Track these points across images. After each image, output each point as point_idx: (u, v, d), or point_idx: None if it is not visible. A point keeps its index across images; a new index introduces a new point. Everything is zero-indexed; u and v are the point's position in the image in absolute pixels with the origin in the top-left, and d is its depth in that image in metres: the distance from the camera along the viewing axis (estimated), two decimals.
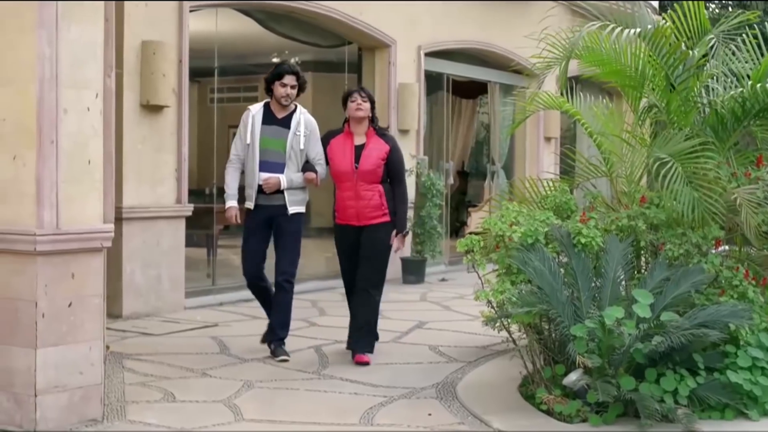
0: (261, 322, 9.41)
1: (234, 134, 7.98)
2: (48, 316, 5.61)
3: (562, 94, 7.58)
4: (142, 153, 9.73)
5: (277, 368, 7.45)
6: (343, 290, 7.92)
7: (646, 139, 7.45)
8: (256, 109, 7.86)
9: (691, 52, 7.02)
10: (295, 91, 7.81)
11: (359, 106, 7.74)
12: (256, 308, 10.04)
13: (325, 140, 7.88)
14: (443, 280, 13.30)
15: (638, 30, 6.81)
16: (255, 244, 7.83)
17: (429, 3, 13.89)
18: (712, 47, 7.43)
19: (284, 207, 7.72)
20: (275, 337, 7.81)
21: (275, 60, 15.67)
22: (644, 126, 7.62)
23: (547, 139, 16.84)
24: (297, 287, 8.06)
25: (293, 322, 7.80)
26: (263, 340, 8.00)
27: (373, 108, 7.86)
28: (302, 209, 7.87)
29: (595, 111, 7.63)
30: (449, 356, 7.94)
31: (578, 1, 11.35)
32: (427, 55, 14.02)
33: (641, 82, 7.24)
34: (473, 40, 15.01)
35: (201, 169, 14.94)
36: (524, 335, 6.70)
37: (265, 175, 7.68)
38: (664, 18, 7.20)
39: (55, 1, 5.58)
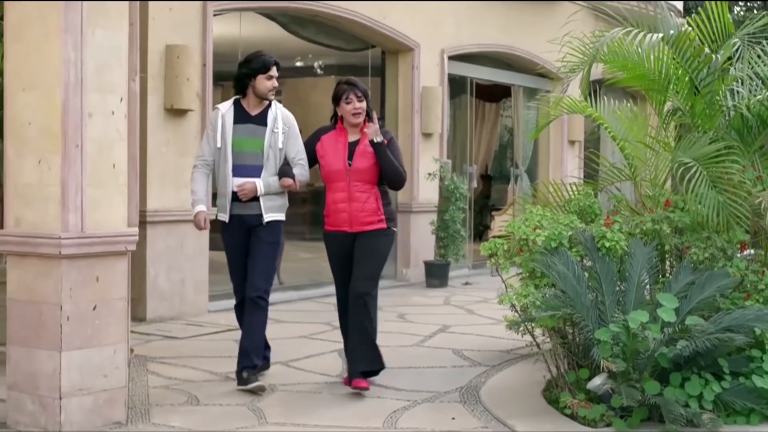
0: (284, 326, 9.43)
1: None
2: (73, 319, 5.64)
3: (585, 98, 7.56)
4: (166, 156, 9.77)
5: (301, 372, 7.45)
6: None
7: (671, 143, 7.42)
8: (225, 108, 7.02)
9: (715, 55, 6.99)
10: (277, 84, 7.07)
11: (357, 110, 6.93)
12: (280, 311, 10.07)
13: (315, 137, 7.09)
14: (467, 283, 13.29)
15: (662, 35, 6.78)
16: (239, 259, 7.05)
17: (452, 6, 13.89)
18: (736, 50, 7.39)
19: (260, 216, 6.92)
20: (248, 363, 6.86)
21: (298, 63, 15.72)
22: (668, 129, 7.59)
23: (571, 143, 16.81)
24: (319, 290, 8.03)
25: (315, 326, 7.56)
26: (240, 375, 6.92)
27: (368, 103, 7.02)
28: (281, 216, 7.05)
29: (619, 115, 7.60)
30: (473, 360, 7.92)
31: (603, 1, 11.32)
32: (450, 58, 14.02)
33: (665, 86, 7.21)
34: (496, 44, 15.00)
35: None
36: (548, 339, 6.68)
37: (239, 180, 6.87)
38: (687, 21, 7.18)
39: (80, 3, 5.61)
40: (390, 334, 9.04)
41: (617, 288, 6.36)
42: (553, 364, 6.59)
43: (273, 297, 8.51)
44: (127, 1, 5.96)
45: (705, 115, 7.03)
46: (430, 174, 13.11)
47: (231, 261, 7.12)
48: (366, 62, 13.36)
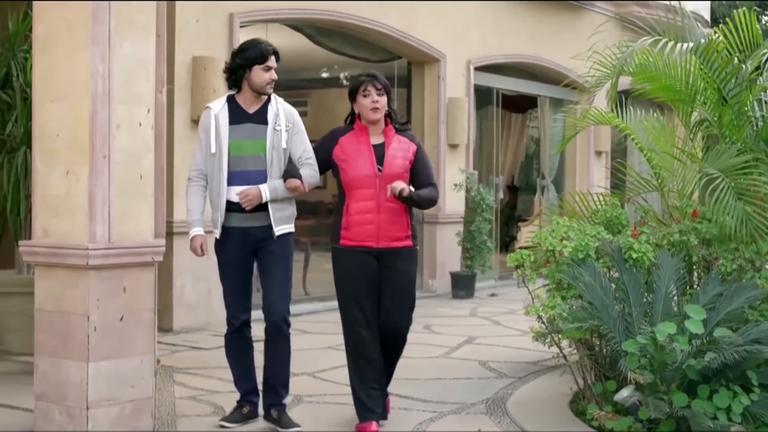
0: (310, 337, 9.42)
1: None
2: (100, 329, 5.66)
3: (612, 109, 7.53)
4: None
5: (327, 383, 7.45)
6: None
7: (698, 154, 7.39)
8: (218, 107, 6.10)
9: (743, 65, 6.95)
10: (276, 76, 6.16)
11: (375, 104, 6.04)
12: (305, 322, 10.08)
13: (331, 140, 6.19)
14: (493, 295, 13.26)
15: (690, 45, 6.75)
16: (238, 279, 6.18)
17: (478, 17, 13.91)
18: (765, 60, 7.34)
19: (269, 228, 6.04)
20: (276, 400, 6.21)
21: (324, 74, 15.75)
22: (696, 140, 7.55)
23: (598, 153, 16.76)
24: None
25: (341, 337, 6.22)
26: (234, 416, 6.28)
27: (389, 99, 6.15)
28: (292, 228, 6.19)
29: (646, 126, 7.57)
30: (499, 371, 7.90)
31: (629, 10, 11.30)
32: (476, 69, 14.03)
33: (692, 97, 7.17)
34: (522, 54, 14.99)
35: None
36: (575, 351, 6.65)
37: (239, 188, 5.99)
38: (715, 31, 7.14)
39: (108, 16, 5.64)
40: (416, 345, 9.01)
41: (644, 299, 6.32)
42: (580, 375, 6.56)
43: (298, 308, 8.55)
44: (155, 14, 5.99)
45: (733, 125, 6.99)
46: (456, 185, 13.10)
47: (228, 281, 6.20)
48: (392, 73, 13.36)
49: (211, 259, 9.86)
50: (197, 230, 6.12)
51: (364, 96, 6.05)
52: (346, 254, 6.06)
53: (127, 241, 5.77)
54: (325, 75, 15.96)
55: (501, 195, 15.62)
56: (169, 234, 8.81)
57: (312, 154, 6.17)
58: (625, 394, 5.89)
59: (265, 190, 5.98)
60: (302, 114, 6.99)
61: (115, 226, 5.69)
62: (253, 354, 6.36)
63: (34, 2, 6.01)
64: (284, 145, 6.08)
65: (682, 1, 7.30)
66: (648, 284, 6.42)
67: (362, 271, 6.02)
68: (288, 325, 6.21)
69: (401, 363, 8.01)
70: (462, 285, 12.92)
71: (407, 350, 7.28)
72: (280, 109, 6.15)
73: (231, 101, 6.13)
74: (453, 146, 13.49)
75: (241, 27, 10.38)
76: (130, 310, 5.81)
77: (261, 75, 6.05)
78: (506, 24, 14.50)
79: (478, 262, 13.06)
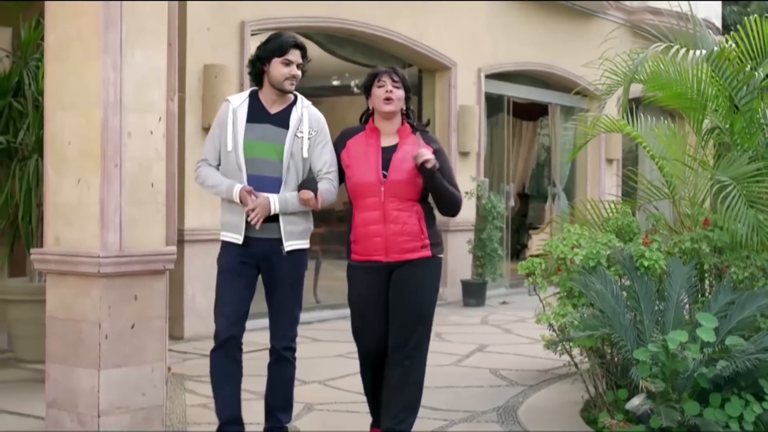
0: (321, 345, 9.43)
1: None
2: (111, 337, 5.67)
3: (623, 117, 7.52)
4: None
5: (338, 391, 7.44)
6: None
7: (709, 162, 7.37)
8: (238, 101, 5.53)
9: (755, 73, 6.94)
10: (300, 73, 5.54)
11: (389, 94, 5.48)
12: (316, 330, 10.08)
13: (341, 142, 5.63)
14: (504, 302, 13.25)
15: (702, 52, 6.74)
16: (236, 292, 5.48)
17: (489, 25, 13.92)
18: None
19: (279, 242, 5.43)
20: (275, 424, 5.66)
21: (335, 82, 15.77)
22: (707, 148, 7.53)
23: (609, 161, 16.75)
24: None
25: (352, 345, 5.88)
26: None
27: (408, 97, 5.61)
28: (305, 244, 5.57)
29: (657, 133, 7.56)
30: (510, 380, 7.89)
31: (640, 17, 11.32)
32: (487, 77, 14.04)
33: (703, 104, 7.16)
34: (533, 62, 15.01)
35: None
36: (586, 359, 6.63)
37: (245, 195, 5.37)
38: (727, 39, 7.13)
39: (120, 25, 5.66)
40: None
41: (656, 307, 6.31)
42: (591, 384, 6.55)
43: (309, 316, 8.52)
44: (166, 22, 6.01)
45: (744, 133, 6.97)
46: (467, 193, 13.05)
47: (224, 290, 5.49)
48: None
49: None
50: (236, 185, 5.37)
51: (379, 87, 5.50)
52: (355, 270, 5.59)
53: (139, 249, 5.78)
54: (336, 83, 15.97)
55: (512, 203, 15.61)
56: (180, 242, 8.84)
57: (335, 168, 5.55)
58: (636, 402, 5.87)
59: (275, 202, 5.35)
60: None
61: (126, 234, 5.71)
62: (239, 379, 5.58)
63: (46, 11, 6.04)
64: (305, 154, 5.46)
65: (693, 9, 7.28)
66: (659, 292, 6.40)
67: (368, 289, 5.52)
68: (293, 350, 5.66)
69: None
70: (473, 293, 12.91)
71: None
72: (305, 113, 5.53)
73: (253, 97, 5.56)
74: (464, 154, 13.49)
75: (252, 35, 10.40)
76: (142, 317, 5.82)
77: (279, 69, 5.44)
78: (517, 32, 14.51)
79: (489, 270, 13.05)
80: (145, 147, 5.81)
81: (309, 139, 5.48)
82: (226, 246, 5.49)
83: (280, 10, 10.75)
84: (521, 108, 16.43)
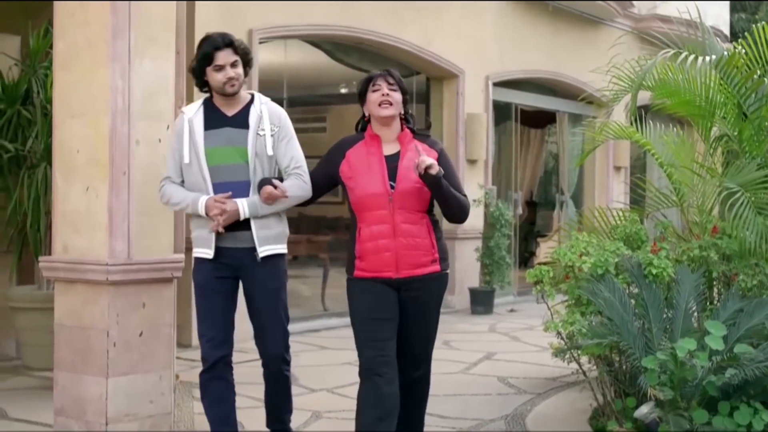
0: (329, 353, 9.42)
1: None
2: (119, 345, 5.68)
3: (631, 123, 7.52)
4: None
5: (346, 399, 7.44)
6: None
7: (717, 169, 7.36)
8: (192, 111, 5.24)
9: (764, 80, 6.93)
10: (240, 70, 5.21)
11: (386, 98, 5.11)
12: (324, 338, 10.08)
13: (339, 152, 5.21)
14: (512, 310, 13.23)
15: (711, 58, 6.73)
16: (216, 310, 5.28)
17: (497, 32, 13.92)
18: None
19: (253, 249, 5.16)
20: (279, 427, 5.59)
21: (343, 90, 15.79)
22: (715, 155, 7.52)
23: (617, 169, 16.74)
24: None
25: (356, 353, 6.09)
26: None
27: (405, 100, 5.24)
28: (281, 248, 5.28)
29: (666, 140, 7.55)
30: (518, 387, 7.88)
31: (648, 24, 11.31)
32: (495, 84, 14.04)
33: (712, 112, 7.15)
34: (541, 70, 15.01)
35: None
36: (594, 367, 6.62)
37: (212, 203, 5.11)
38: (735, 46, 7.12)
39: (128, 33, 5.68)
40: (435, 361, 8.96)
41: (664, 315, 6.30)
42: (599, 392, 6.53)
43: (317, 323, 8.51)
44: (174, 31, 6.02)
45: (753, 140, 6.96)
46: (474, 200, 13.09)
47: (204, 310, 5.27)
48: (410, 89, 13.31)
49: None
50: (202, 197, 5.13)
51: (374, 91, 5.15)
52: (360, 287, 5.11)
53: (147, 257, 5.79)
54: (343, 91, 15.99)
55: (520, 210, 15.60)
56: (189, 250, 8.82)
57: (303, 162, 5.26)
58: (645, 410, 5.85)
59: (244, 206, 5.09)
60: (320, 130, 6.55)
61: (134, 242, 5.72)
62: (233, 400, 5.40)
63: (54, 19, 6.05)
64: (269, 152, 5.19)
65: (701, 16, 7.27)
66: (668, 300, 6.39)
67: (377, 307, 5.07)
68: (286, 363, 5.39)
69: None
70: (481, 301, 12.90)
71: None
72: (264, 110, 5.26)
73: (207, 104, 5.28)
74: (471, 162, 13.49)
75: (260, 43, 10.42)
76: (150, 325, 5.83)
77: (214, 77, 5.16)
78: (525, 39, 14.51)
79: (497, 277, 13.04)
80: (153, 155, 5.82)
81: (272, 136, 5.20)
82: (199, 262, 5.25)
83: (287, 18, 10.76)
84: (529, 115, 16.43)
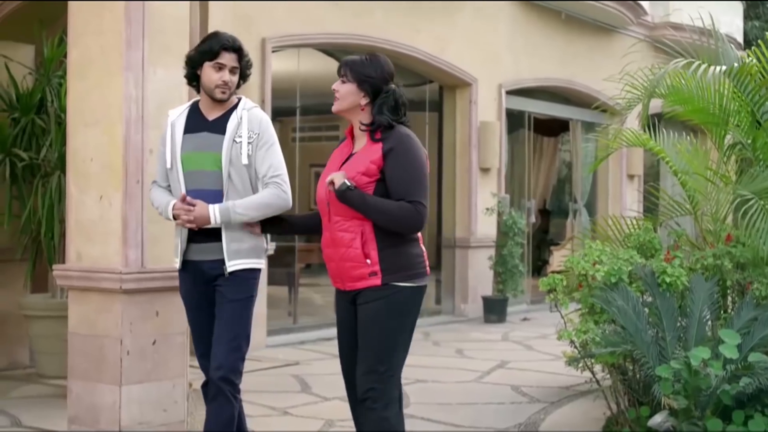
0: None
1: (315, 174, 5.43)
2: (133, 353, 5.68)
3: (644, 131, 7.50)
4: None
5: None
6: (425, 329, 7.23)
7: (731, 177, 7.34)
8: (176, 113, 4.96)
9: None
10: (236, 78, 4.91)
11: (336, 94, 4.67)
12: (336, 347, 10.06)
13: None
14: (525, 319, 13.21)
15: (724, 66, 6.71)
16: (197, 322, 4.99)
17: (510, 41, 13.92)
18: None
19: (221, 263, 4.82)
20: None
21: None
22: (729, 163, 7.50)
23: (630, 177, 16.72)
24: None
25: None
26: None
27: (372, 90, 4.63)
28: (255, 263, 4.93)
29: (679, 148, 7.53)
30: (532, 396, 7.86)
31: (661, 32, 11.32)
32: (508, 93, 14.04)
33: (725, 119, 7.13)
34: (554, 78, 15.00)
35: None
36: (608, 376, 6.61)
37: (177, 204, 4.80)
38: (748, 54, 7.11)
39: (142, 42, 5.70)
40: (448, 369, 9.01)
41: (678, 324, 6.27)
42: (613, 400, 6.51)
43: (330, 331, 8.40)
44: (188, 40, 6.03)
45: (766, 148, 6.94)
46: (488, 209, 13.09)
47: (191, 323, 5.07)
48: (424, 97, 13.39)
49: None
50: (171, 202, 4.84)
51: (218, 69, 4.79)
52: (336, 300, 4.82)
53: (160, 265, 5.80)
54: None
55: (533, 219, 15.58)
56: None
57: (282, 171, 4.90)
58: (658, 419, 5.83)
59: (215, 211, 4.73)
60: (333, 139, 6.52)
61: (148, 251, 5.73)
62: (232, 413, 4.89)
63: (69, 28, 6.08)
64: (245, 161, 4.81)
65: (714, 24, 7.26)
66: (681, 309, 6.37)
67: (338, 318, 4.82)
68: (233, 384, 4.84)
69: (433, 387, 7.99)
70: (494, 309, 12.88)
71: (439, 375, 7.21)
72: (244, 116, 4.88)
73: (193, 107, 4.98)
74: (485, 170, 13.48)
75: (273, 52, 10.44)
76: (163, 334, 5.84)
77: (209, 74, 4.83)
78: (538, 47, 14.51)
79: (510, 286, 13.02)
80: None
81: (249, 143, 4.82)
82: (179, 274, 4.98)
83: (300, 26, 10.79)
84: (542, 124, 16.42)
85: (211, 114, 4.90)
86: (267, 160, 4.85)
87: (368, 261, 4.45)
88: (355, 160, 4.49)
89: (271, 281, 10.55)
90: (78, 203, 5.89)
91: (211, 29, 9.47)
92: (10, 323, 8.55)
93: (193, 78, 4.92)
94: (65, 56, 6.70)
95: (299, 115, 11.99)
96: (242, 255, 4.84)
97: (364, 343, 4.52)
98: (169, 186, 4.95)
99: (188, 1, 6.13)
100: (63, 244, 7.27)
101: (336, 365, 8.69)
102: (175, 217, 4.80)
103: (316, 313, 12.26)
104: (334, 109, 4.65)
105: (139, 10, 5.72)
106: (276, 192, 4.83)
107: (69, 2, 6.12)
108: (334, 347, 9.50)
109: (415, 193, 4.42)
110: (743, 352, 5.86)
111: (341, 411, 7.25)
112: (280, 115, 11.75)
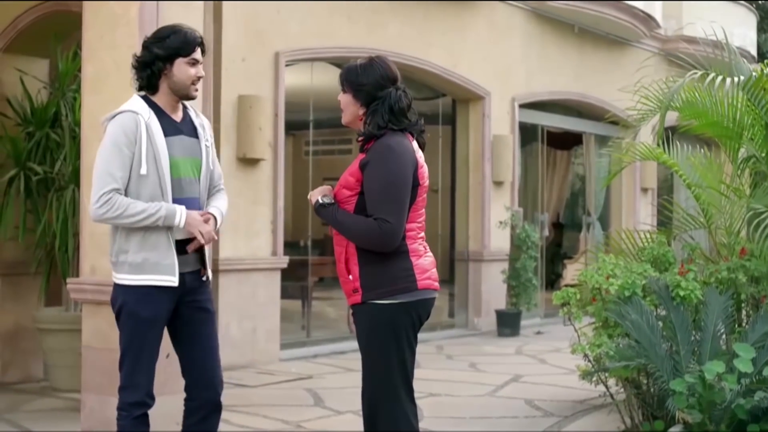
0: (356, 375, 9.38)
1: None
2: None
3: (658, 145, 7.50)
4: (238, 206, 9.86)
5: None
6: (439, 342, 7.25)
7: (745, 191, 7.32)
8: (145, 111, 4.48)
9: None
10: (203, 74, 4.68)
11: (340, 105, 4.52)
12: (351, 360, 10.06)
13: None
14: (539, 332, 13.19)
15: (739, 79, 6.70)
16: (158, 341, 4.65)
17: (523, 54, 13.93)
18: None
19: (198, 272, 4.63)
20: None
21: None
22: (743, 176, 7.49)
23: (644, 190, 16.69)
24: None
25: None
26: None
27: (365, 98, 4.44)
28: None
29: (693, 162, 7.53)
30: (545, 410, 7.84)
31: (675, 45, 11.35)
32: (521, 106, 14.03)
33: (739, 133, 7.12)
34: (567, 91, 15.00)
35: (296, 221, 15.06)
36: (622, 389, 6.59)
37: (195, 216, 4.51)
38: (762, 66, 7.10)
39: None
40: (461, 383, 8.99)
41: (692, 338, 6.26)
42: (627, 414, 6.49)
43: (343, 345, 8.42)
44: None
45: None
46: (501, 222, 13.08)
47: (147, 347, 4.61)
48: (437, 111, 13.41)
49: (256, 298, 9.95)
50: (180, 209, 4.45)
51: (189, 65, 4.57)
52: None
53: None
54: None
55: (546, 232, 15.56)
56: (215, 272, 8.86)
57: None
58: None
59: (218, 217, 4.63)
60: (346, 152, 6.49)
61: None
62: None
63: (83, 43, 6.10)
64: (212, 166, 4.68)
65: (728, 37, 7.25)
66: (696, 322, 6.36)
67: None
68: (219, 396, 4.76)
69: (446, 401, 7.98)
70: (507, 323, 12.86)
71: (452, 388, 7.20)
72: (203, 119, 4.74)
73: (152, 106, 4.55)
74: (498, 183, 13.48)
75: (286, 66, 10.47)
76: None
77: (185, 70, 4.53)
78: (551, 61, 14.51)
79: (524, 299, 13.00)
80: None
81: (212, 146, 4.71)
82: (154, 293, 4.46)
83: (314, 40, 10.82)
84: (555, 137, 16.41)
85: (175, 115, 4.60)
86: (217, 165, 4.75)
87: (350, 277, 4.29)
88: (344, 173, 4.34)
89: (285, 295, 10.56)
90: None
91: (224, 42, 9.54)
92: (24, 337, 8.57)
93: (153, 79, 4.54)
94: (80, 70, 6.74)
95: (312, 128, 12.01)
96: (206, 262, 4.67)
97: (363, 358, 4.38)
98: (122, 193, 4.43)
99: (202, 16, 6.15)
100: (77, 258, 7.30)
101: (349, 379, 8.71)
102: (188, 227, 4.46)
103: (330, 326, 12.25)
104: (342, 121, 4.53)
105: (153, 25, 5.74)
106: (226, 198, 4.76)
107: (84, 17, 6.15)
108: (347, 361, 9.52)
109: (381, 209, 4.16)
110: (758, 366, 5.84)
111: (354, 425, 7.24)
112: (293, 128, 11.78)
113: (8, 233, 8.28)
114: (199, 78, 4.59)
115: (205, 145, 4.63)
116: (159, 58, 4.50)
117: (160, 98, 4.57)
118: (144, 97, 4.57)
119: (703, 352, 6.12)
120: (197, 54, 4.57)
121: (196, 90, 4.61)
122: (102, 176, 4.40)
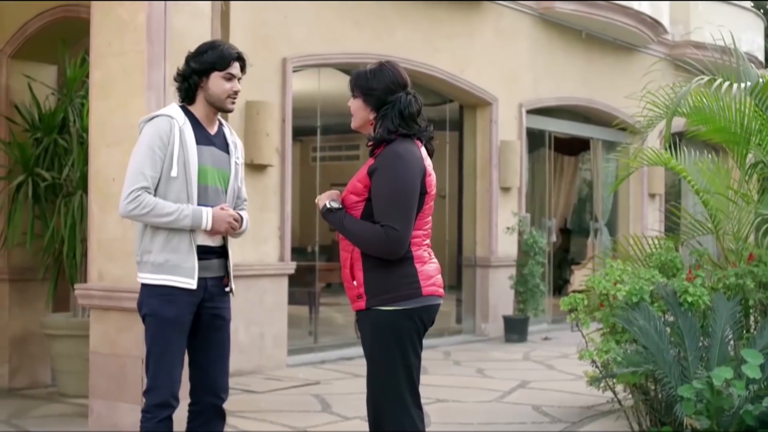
0: (363, 381, 9.38)
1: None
2: None
3: (666, 150, 7.49)
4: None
5: None
6: (446, 348, 7.28)
7: (753, 196, 7.31)
8: (180, 117, 4.65)
9: None
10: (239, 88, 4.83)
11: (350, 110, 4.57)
12: (359, 365, 10.05)
13: None
14: (546, 338, 13.17)
15: (746, 85, 6.70)
16: (182, 345, 4.66)
17: (530, 60, 13.93)
18: None
19: (221, 279, 4.76)
20: None
21: None
22: (751, 182, 7.48)
23: (651, 196, 16.67)
24: None
25: None
26: None
27: (375, 103, 4.43)
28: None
29: (701, 167, 7.52)
30: (553, 416, 7.83)
31: (682, 50, 11.33)
32: (528, 112, 14.03)
33: (747, 139, 7.12)
34: (575, 97, 14.99)
35: (303, 227, 15.07)
36: (629, 395, 6.58)
37: (224, 212, 4.65)
38: None
39: (164, 62, 5.73)
40: (469, 389, 8.98)
41: (700, 344, 6.25)
42: (635, 420, 6.48)
43: (351, 351, 8.41)
44: None
45: None
46: (508, 228, 13.08)
47: (173, 352, 4.62)
48: (444, 116, 13.41)
49: (264, 304, 9.95)
50: (206, 209, 4.59)
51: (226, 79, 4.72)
52: None
53: None
54: None
55: (554, 238, 15.55)
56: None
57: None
58: None
59: (245, 221, 4.80)
60: (354, 158, 6.54)
61: None
62: None
63: (91, 49, 6.12)
64: (239, 183, 4.87)
65: (735, 43, 7.24)
66: (704, 328, 6.35)
67: None
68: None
69: (453, 407, 7.98)
70: (515, 329, 12.85)
71: (459, 394, 7.18)
72: (237, 139, 4.92)
73: (189, 115, 4.71)
74: (505, 189, 13.48)
75: (294, 72, 10.48)
76: None
77: (221, 84, 4.71)
78: (558, 67, 14.51)
79: (531, 305, 12.98)
80: None
81: (239, 165, 4.87)
82: (174, 294, 4.56)
83: (320, 46, 10.83)
84: (563, 143, 16.40)
85: (210, 128, 4.77)
86: (243, 186, 4.92)
87: (355, 283, 4.28)
88: (352, 179, 4.34)
89: (292, 301, 10.56)
90: (100, 223, 5.91)
91: None
92: (32, 342, 8.58)
93: (192, 91, 4.71)
94: (87, 76, 6.75)
95: (320, 134, 12.01)
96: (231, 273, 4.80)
97: (368, 364, 4.36)
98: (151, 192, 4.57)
99: (210, 22, 6.16)
100: (85, 264, 7.31)
101: (356, 384, 8.71)
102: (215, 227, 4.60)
103: (337, 332, 12.25)
104: (351, 125, 4.56)
105: (161, 31, 5.75)
106: (248, 217, 4.87)
107: (91, 23, 6.16)
108: (354, 367, 9.51)
109: (388, 216, 4.16)
110: (766, 371, 5.83)
111: (362, 430, 7.24)
112: (300, 134, 11.79)
113: (16, 239, 8.29)
114: (236, 92, 4.75)
115: (235, 162, 4.80)
116: (195, 72, 4.69)
117: (197, 109, 4.73)
118: (182, 107, 4.73)
119: (711, 358, 6.11)
120: (233, 69, 4.75)
121: (233, 103, 4.76)
122: (134, 174, 4.55)
